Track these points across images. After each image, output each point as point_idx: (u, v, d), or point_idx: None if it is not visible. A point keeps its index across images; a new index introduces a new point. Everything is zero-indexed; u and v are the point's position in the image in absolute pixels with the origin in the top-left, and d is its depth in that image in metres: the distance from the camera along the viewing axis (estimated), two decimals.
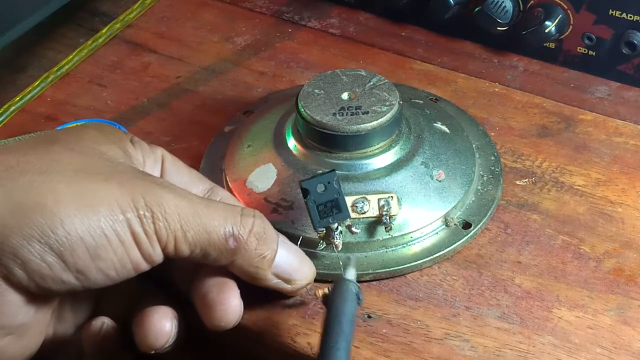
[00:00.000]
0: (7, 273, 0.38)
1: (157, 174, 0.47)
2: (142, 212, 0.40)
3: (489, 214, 0.57)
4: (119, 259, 0.40)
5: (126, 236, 0.40)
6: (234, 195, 0.57)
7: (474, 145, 0.61)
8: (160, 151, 0.48)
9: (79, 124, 0.49)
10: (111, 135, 0.46)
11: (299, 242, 0.51)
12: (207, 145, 0.63)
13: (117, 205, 0.40)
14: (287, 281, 0.48)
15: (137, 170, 0.44)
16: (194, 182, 0.49)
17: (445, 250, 0.55)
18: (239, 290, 0.46)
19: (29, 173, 0.39)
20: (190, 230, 0.42)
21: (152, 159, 0.47)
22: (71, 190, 0.39)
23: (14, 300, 0.39)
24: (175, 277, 0.49)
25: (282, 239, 0.47)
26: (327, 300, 0.47)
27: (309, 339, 0.50)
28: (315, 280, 0.53)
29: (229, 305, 0.45)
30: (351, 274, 0.48)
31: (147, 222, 0.40)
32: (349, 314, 0.45)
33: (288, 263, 0.47)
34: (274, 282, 0.47)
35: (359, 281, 0.52)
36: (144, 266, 0.42)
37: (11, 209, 0.38)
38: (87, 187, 0.40)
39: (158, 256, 0.42)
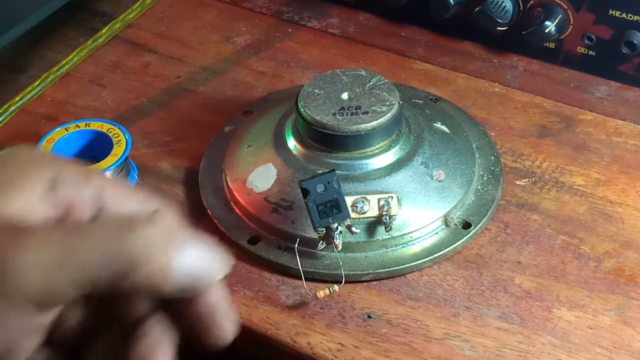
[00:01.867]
0: None
1: (93, 205, 0.42)
2: None
3: (489, 214, 0.57)
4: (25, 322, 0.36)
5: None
6: (234, 196, 0.57)
7: (473, 145, 0.61)
8: (97, 181, 0.41)
9: (7, 150, 0.43)
10: (23, 174, 0.40)
11: (297, 244, 0.51)
12: (207, 145, 0.63)
13: None
14: (195, 283, 0.40)
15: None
16: (138, 206, 0.43)
17: (445, 250, 0.55)
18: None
19: None
20: (65, 276, 0.37)
21: (88, 195, 0.40)
22: None
23: None
24: None
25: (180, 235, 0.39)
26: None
27: (309, 339, 0.50)
28: (316, 281, 0.53)
29: (228, 325, 0.42)
30: None
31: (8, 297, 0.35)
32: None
33: (190, 263, 0.39)
34: (179, 289, 0.39)
35: (358, 281, 0.52)
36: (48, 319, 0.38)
37: None
38: None
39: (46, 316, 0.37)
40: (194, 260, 0.39)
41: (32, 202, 0.40)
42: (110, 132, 0.60)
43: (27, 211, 0.39)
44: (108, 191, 0.42)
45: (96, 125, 0.61)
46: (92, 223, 0.40)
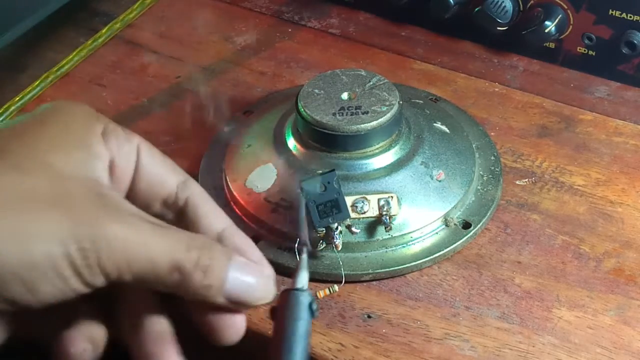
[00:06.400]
0: None
1: (131, 165, 0.44)
2: (84, 245, 0.38)
3: (488, 214, 0.57)
4: (59, 290, 0.39)
5: (66, 270, 0.38)
6: (234, 195, 0.57)
7: (473, 145, 0.61)
8: (136, 140, 0.45)
9: (51, 105, 0.44)
10: (77, 132, 0.43)
11: (297, 244, 0.50)
12: (207, 145, 0.63)
13: (58, 238, 0.38)
14: (240, 303, 0.44)
15: (90, 188, 0.41)
16: (168, 173, 0.46)
17: (445, 250, 0.55)
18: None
19: None
20: (135, 262, 0.40)
21: (127, 150, 0.44)
22: (10, 223, 0.37)
23: None
24: None
25: (237, 260, 0.44)
26: (275, 315, 0.43)
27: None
28: (316, 281, 0.53)
29: (237, 326, 0.44)
30: (302, 280, 0.44)
31: (90, 255, 0.39)
32: (300, 335, 0.41)
33: (239, 287, 0.43)
34: (225, 305, 0.44)
35: (358, 281, 0.52)
36: (86, 291, 0.41)
37: None
38: (27, 219, 0.38)
39: (100, 283, 0.41)
40: (245, 287, 0.43)
41: (95, 146, 0.43)
42: None
43: (96, 169, 0.42)
44: (144, 152, 0.45)
45: None
46: (168, 228, 0.43)
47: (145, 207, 0.45)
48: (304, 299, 0.42)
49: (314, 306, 0.42)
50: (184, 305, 0.45)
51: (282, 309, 0.43)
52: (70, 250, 0.38)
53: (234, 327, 0.44)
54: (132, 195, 0.45)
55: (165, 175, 0.46)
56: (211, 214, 0.46)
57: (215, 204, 0.47)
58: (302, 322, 0.41)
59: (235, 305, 0.44)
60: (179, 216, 0.46)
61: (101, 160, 0.43)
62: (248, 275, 0.44)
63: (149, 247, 0.41)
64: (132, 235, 0.40)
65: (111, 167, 0.44)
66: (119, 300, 0.45)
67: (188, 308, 0.45)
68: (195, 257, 0.42)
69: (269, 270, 0.45)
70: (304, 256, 0.46)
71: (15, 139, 0.41)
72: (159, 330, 0.44)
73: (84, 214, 0.39)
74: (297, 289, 0.43)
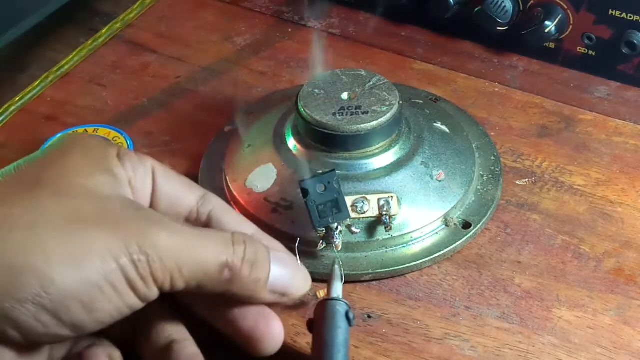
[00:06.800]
0: (0, 335, 0.38)
1: (148, 187, 0.46)
2: (136, 257, 0.39)
3: (488, 214, 0.57)
4: (114, 306, 0.40)
5: (121, 284, 0.39)
6: (234, 195, 0.57)
7: (473, 145, 0.61)
8: (149, 162, 0.46)
9: (61, 140, 0.45)
10: (96, 158, 0.44)
11: (297, 244, 0.51)
12: (207, 145, 0.63)
13: (110, 253, 0.39)
14: (283, 295, 0.46)
15: (127, 205, 0.42)
16: (185, 191, 0.47)
17: (445, 250, 0.55)
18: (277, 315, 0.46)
19: (17, 230, 0.38)
20: (186, 266, 0.41)
21: (142, 172, 0.45)
22: (62, 245, 0.38)
23: (7, 356, 0.39)
24: (185, 298, 0.48)
25: (274, 254, 0.46)
26: (312, 327, 0.43)
27: (308, 339, 0.50)
28: (316, 281, 0.53)
29: (276, 335, 0.45)
30: (337, 289, 0.45)
31: (142, 266, 0.40)
32: (340, 344, 0.42)
33: (282, 279, 0.46)
34: (270, 299, 0.46)
35: (358, 281, 0.52)
36: (140, 306, 0.41)
37: (2, 271, 0.37)
38: (77, 239, 0.39)
39: (154, 295, 0.41)
40: (286, 277, 0.46)
41: (115, 169, 0.44)
42: (115, 140, 0.60)
43: (123, 189, 0.44)
44: (159, 173, 0.46)
45: (104, 132, 0.60)
46: (205, 230, 0.44)
47: None
48: (341, 308, 0.43)
49: (351, 314, 0.44)
50: (217, 322, 0.46)
51: (319, 319, 0.44)
52: (124, 264, 0.39)
53: (273, 335, 0.45)
54: None
55: (182, 194, 0.47)
56: (236, 225, 0.47)
57: (237, 213, 0.49)
58: (341, 331, 0.42)
59: (278, 298, 0.46)
60: None
61: (122, 180, 0.44)
62: (287, 267, 0.46)
63: (197, 250, 0.42)
64: (178, 241, 0.41)
65: (130, 187, 0.44)
66: (145, 326, 0.46)
67: (223, 324, 0.46)
68: (241, 252, 0.43)
69: (301, 264, 0.47)
70: (336, 267, 0.48)
71: (44, 169, 0.42)
72: (190, 353, 0.45)
73: (129, 227, 0.40)
74: (333, 299, 0.44)
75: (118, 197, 0.43)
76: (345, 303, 0.45)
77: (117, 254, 0.39)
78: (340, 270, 0.48)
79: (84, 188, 0.42)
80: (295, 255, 0.48)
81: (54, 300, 0.38)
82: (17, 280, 0.37)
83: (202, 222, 0.46)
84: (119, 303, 0.40)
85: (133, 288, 0.40)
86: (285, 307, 0.51)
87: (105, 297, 0.39)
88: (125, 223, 0.40)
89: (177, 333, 0.46)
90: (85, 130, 0.61)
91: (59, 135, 0.61)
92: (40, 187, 0.41)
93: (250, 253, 0.43)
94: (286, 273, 0.46)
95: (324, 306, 0.44)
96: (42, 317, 0.38)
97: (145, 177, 0.45)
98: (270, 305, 0.46)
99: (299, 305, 0.52)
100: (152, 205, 0.46)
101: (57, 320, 0.38)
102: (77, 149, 0.44)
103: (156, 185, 0.46)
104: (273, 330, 0.45)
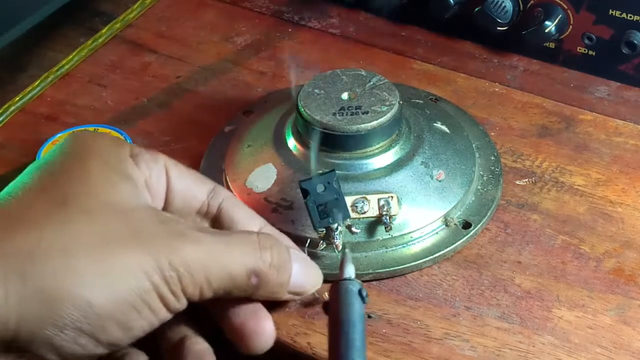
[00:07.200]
0: (39, 358, 0.39)
1: (162, 185, 0.46)
2: (167, 274, 0.40)
3: (489, 214, 0.57)
4: (148, 322, 0.41)
5: (154, 302, 0.40)
6: (235, 195, 0.57)
7: (473, 145, 0.61)
8: (162, 159, 0.47)
9: (73, 143, 0.45)
10: (113, 164, 0.44)
11: (307, 244, 0.52)
12: (207, 145, 0.63)
13: (143, 272, 0.40)
14: (299, 293, 0.48)
15: (152, 216, 0.43)
16: (197, 185, 0.48)
17: (446, 250, 0.55)
18: (269, 315, 0.47)
19: (52, 257, 0.39)
20: (215, 277, 0.42)
21: (157, 170, 0.46)
22: (96, 268, 0.39)
23: None
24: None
25: (295, 255, 0.47)
26: (327, 307, 0.45)
27: (309, 339, 0.50)
28: None
29: (266, 333, 0.46)
30: (349, 271, 0.47)
31: (174, 282, 0.41)
32: (355, 320, 0.43)
33: (299, 278, 0.47)
34: (287, 297, 0.47)
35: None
36: (169, 317, 0.42)
37: (41, 300, 0.38)
38: (110, 260, 0.40)
39: (183, 307, 0.42)
40: (303, 275, 0.47)
41: (131, 171, 0.44)
42: None
43: (143, 194, 0.44)
44: (172, 169, 0.46)
45: (104, 132, 0.60)
46: (232, 235, 0.45)
47: None
48: (353, 287, 0.45)
49: (364, 292, 0.45)
50: (214, 318, 0.46)
51: (334, 299, 0.45)
52: (156, 282, 0.40)
53: (261, 333, 0.46)
54: (169, 212, 0.46)
55: (195, 188, 0.47)
56: (245, 217, 0.48)
57: (246, 206, 0.50)
58: (355, 307, 0.43)
59: (294, 296, 0.47)
60: (214, 223, 0.48)
61: (140, 183, 0.44)
62: (302, 265, 0.47)
63: (224, 259, 0.42)
64: (206, 252, 0.42)
65: (147, 188, 0.45)
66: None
67: (219, 319, 0.46)
68: (268, 257, 0.44)
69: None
70: (347, 250, 0.50)
71: (67, 184, 0.42)
72: (199, 349, 0.45)
73: (158, 243, 0.41)
74: (346, 279, 0.45)
75: (142, 208, 0.43)
76: (358, 282, 0.46)
77: (149, 272, 0.40)
78: (350, 253, 0.50)
79: (109, 202, 0.42)
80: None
81: (92, 323, 0.39)
82: (56, 308, 0.38)
83: (213, 215, 0.48)
84: (152, 319, 0.41)
85: (165, 303, 0.41)
86: (284, 305, 0.52)
87: (140, 314, 0.40)
88: (154, 238, 0.41)
89: (189, 330, 0.46)
90: (95, 130, 0.61)
91: (61, 134, 0.61)
92: (67, 205, 0.41)
93: (275, 257, 0.44)
94: (302, 271, 0.47)
95: (338, 287, 0.45)
96: (80, 340, 0.39)
97: (159, 175, 0.46)
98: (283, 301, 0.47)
99: (299, 305, 0.52)
100: (166, 202, 0.46)
101: (95, 341, 0.39)
102: (93, 156, 0.44)
103: (170, 183, 0.46)
104: (262, 329, 0.45)
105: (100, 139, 0.46)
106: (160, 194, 0.46)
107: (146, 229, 0.42)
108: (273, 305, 0.50)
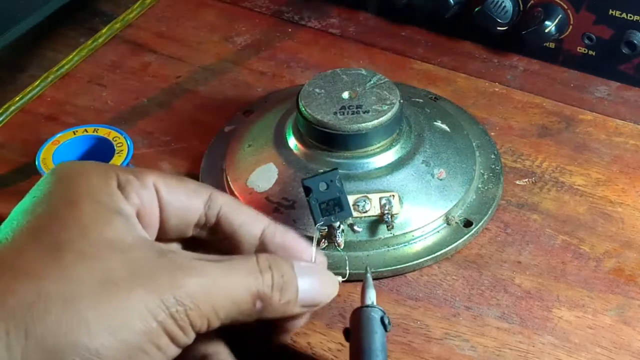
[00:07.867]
0: None
1: (155, 208, 0.44)
2: (173, 310, 0.39)
3: (490, 212, 0.57)
4: None
5: (162, 341, 0.39)
6: (236, 195, 0.57)
7: (474, 144, 0.61)
8: (150, 180, 0.44)
9: (57, 180, 0.44)
10: (103, 199, 0.42)
11: (316, 226, 0.50)
12: (207, 145, 0.63)
13: (148, 312, 0.39)
14: (313, 306, 0.46)
15: (150, 251, 0.42)
16: (190, 198, 0.46)
17: (447, 249, 0.55)
18: None
19: (53, 307, 0.38)
20: (220, 306, 0.41)
21: (148, 197, 0.44)
22: (100, 315, 0.38)
23: None
24: None
25: (298, 266, 0.45)
26: (349, 335, 0.43)
27: (309, 339, 0.50)
28: None
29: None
30: (371, 296, 0.46)
31: (181, 317, 0.40)
32: (377, 349, 0.42)
33: (310, 291, 0.45)
34: (302, 311, 0.46)
35: (359, 280, 0.52)
36: (178, 352, 0.41)
37: (45, 352, 0.37)
38: (114, 304, 0.39)
39: (192, 340, 0.41)
40: (313, 289, 0.45)
41: (122, 205, 0.43)
42: (115, 140, 0.59)
43: (136, 227, 0.42)
44: (162, 189, 0.45)
45: (104, 132, 0.60)
46: (232, 261, 0.43)
47: (180, 236, 0.45)
48: (375, 314, 0.43)
49: (386, 319, 0.44)
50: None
51: (355, 327, 0.44)
52: (163, 320, 0.39)
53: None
54: (165, 231, 0.45)
55: (188, 202, 0.46)
56: (247, 221, 0.46)
57: (247, 207, 0.48)
58: (377, 336, 0.42)
59: (310, 309, 0.45)
60: (214, 232, 0.46)
61: (132, 217, 0.43)
62: (313, 277, 0.45)
63: (228, 288, 0.42)
64: (209, 283, 0.41)
65: (140, 217, 0.44)
66: None
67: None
68: (269, 279, 0.43)
69: (322, 258, 0.47)
70: (368, 275, 0.48)
71: (60, 228, 0.41)
72: None
73: (160, 279, 0.40)
74: (368, 306, 0.44)
75: (138, 244, 0.42)
76: (380, 309, 0.45)
77: (155, 311, 0.39)
78: (371, 277, 0.48)
79: (105, 243, 0.41)
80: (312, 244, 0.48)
81: None
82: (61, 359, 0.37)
83: (212, 225, 0.46)
84: (160, 357, 0.40)
85: (173, 340, 0.40)
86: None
87: (148, 355, 0.39)
88: (155, 275, 0.40)
89: (209, 347, 0.46)
90: (85, 130, 0.61)
91: (61, 134, 0.60)
92: (62, 250, 0.40)
93: (277, 277, 0.43)
94: (313, 284, 0.45)
95: (359, 313, 0.44)
96: None
97: (151, 201, 0.44)
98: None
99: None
100: (161, 223, 0.45)
101: None
102: (83, 195, 0.42)
103: (162, 203, 0.44)
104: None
105: (85, 174, 0.44)
106: (154, 220, 0.44)
107: (145, 266, 0.40)
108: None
